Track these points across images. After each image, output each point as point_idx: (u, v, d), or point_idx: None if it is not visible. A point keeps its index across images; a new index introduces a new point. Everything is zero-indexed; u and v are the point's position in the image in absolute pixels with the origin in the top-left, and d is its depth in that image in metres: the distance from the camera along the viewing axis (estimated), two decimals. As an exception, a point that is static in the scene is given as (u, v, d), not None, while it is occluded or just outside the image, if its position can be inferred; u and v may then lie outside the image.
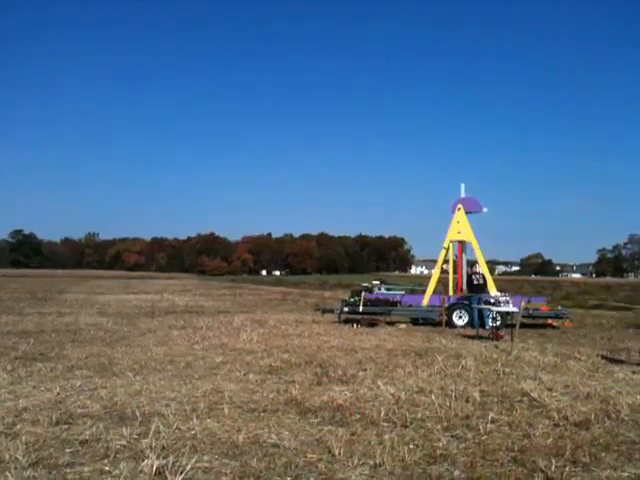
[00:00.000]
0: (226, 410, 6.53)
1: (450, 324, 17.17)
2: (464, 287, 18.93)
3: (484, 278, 18.12)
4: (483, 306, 16.18)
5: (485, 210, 19.76)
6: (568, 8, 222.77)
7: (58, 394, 7.21)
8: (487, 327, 15.66)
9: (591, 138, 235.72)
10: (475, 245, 19.25)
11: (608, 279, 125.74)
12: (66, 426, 5.89)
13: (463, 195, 19.75)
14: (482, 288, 17.84)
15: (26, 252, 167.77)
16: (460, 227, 19.34)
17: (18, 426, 5.83)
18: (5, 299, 27.04)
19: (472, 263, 19.28)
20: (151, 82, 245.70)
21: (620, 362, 10.74)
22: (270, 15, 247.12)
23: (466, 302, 17.58)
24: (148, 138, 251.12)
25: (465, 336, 14.74)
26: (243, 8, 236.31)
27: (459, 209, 19.36)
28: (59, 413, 6.26)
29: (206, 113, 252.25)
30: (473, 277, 18.10)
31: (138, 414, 6.28)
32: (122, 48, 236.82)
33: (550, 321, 18.20)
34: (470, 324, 16.94)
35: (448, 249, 19.63)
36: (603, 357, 11.30)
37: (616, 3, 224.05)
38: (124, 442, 5.37)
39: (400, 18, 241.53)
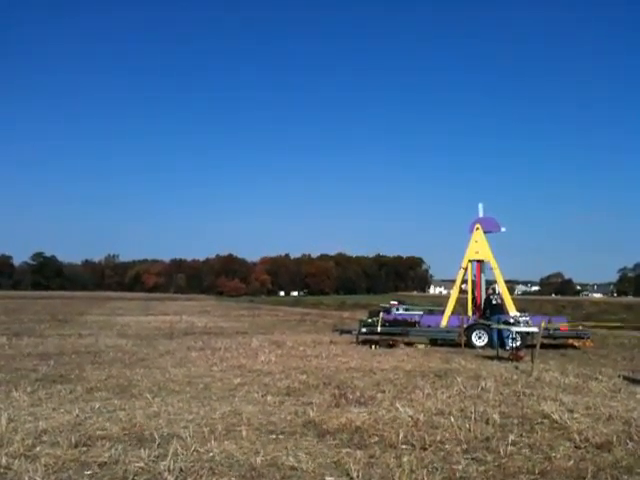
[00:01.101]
0: (244, 432, 6.53)
1: (469, 345, 17.03)
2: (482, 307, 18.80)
3: (502, 298, 17.99)
4: (502, 326, 16.03)
5: (503, 230, 19.68)
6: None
7: (77, 416, 7.25)
8: (507, 348, 15.51)
9: (612, 154, 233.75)
10: (494, 264, 19.14)
11: (630, 298, 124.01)
12: (85, 448, 5.91)
13: (481, 214, 19.68)
14: (500, 308, 17.70)
15: (47, 274, 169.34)
16: (478, 247, 19.25)
17: (38, 448, 5.87)
18: (26, 321, 27.30)
19: (490, 283, 19.17)
20: (168, 97, 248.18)
21: (643, 383, 10.58)
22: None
23: (485, 323, 17.44)
24: (166, 159, 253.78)
25: (485, 357, 14.61)
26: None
27: (477, 229, 19.29)
28: (78, 435, 6.29)
29: (223, 131, 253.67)
30: (492, 297, 17.98)
31: (156, 436, 6.29)
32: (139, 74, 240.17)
33: (571, 341, 18.00)
34: (490, 345, 16.77)
35: (466, 269, 19.54)
36: (625, 378, 11.13)
37: None
38: (142, 464, 5.38)
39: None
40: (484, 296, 18.79)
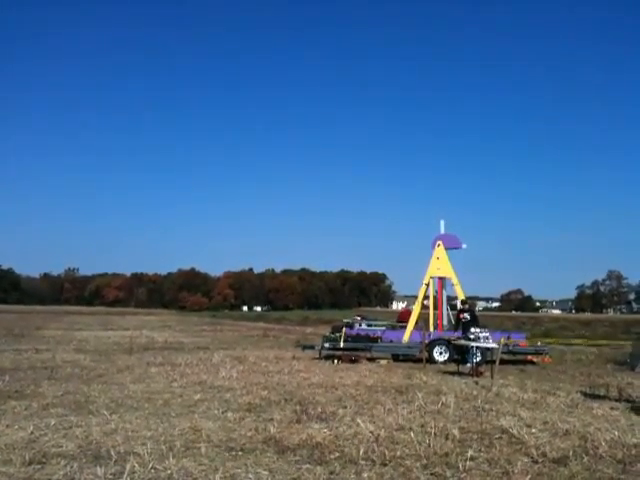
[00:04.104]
0: (203, 449, 6.45)
1: (431, 360, 17.15)
2: (447, 324, 18.96)
3: (472, 315, 17.94)
4: (462, 342, 16.14)
5: (464, 246, 19.97)
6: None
7: (32, 433, 7.08)
8: (467, 364, 15.66)
9: (572, 170, 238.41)
10: (455, 281, 19.38)
11: (587, 315, 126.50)
12: (39, 466, 5.77)
13: (443, 231, 19.95)
14: (469, 325, 17.78)
15: (4, 287, 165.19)
16: (440, 263, 19.48)
17: (-11, 466, 5.71)
18: (-20, 336, 26.56)
19: (451, 299, 19.38)
20: (131, 112, 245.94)
21: (599, 398, 10.79)
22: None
23: (447, 339, 17.55)
24: (128, 172, 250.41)
25: (445, 372, 14.73)
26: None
27: (439, 245, 19.53)
28: (32, 452, 6.14)
29: (188, 144, 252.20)
30: (461, 315, 17.91)
31: (113, 453, 6.17)
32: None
33: (530, 357, 18.27)
34: (463, 362, 16.54)
35: (428, 285, 19.73)
36: (582, 393, 11.34)
37: None
38: (98, 482, 5.27)
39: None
40: (453, 312, 18.80)
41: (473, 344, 14.93)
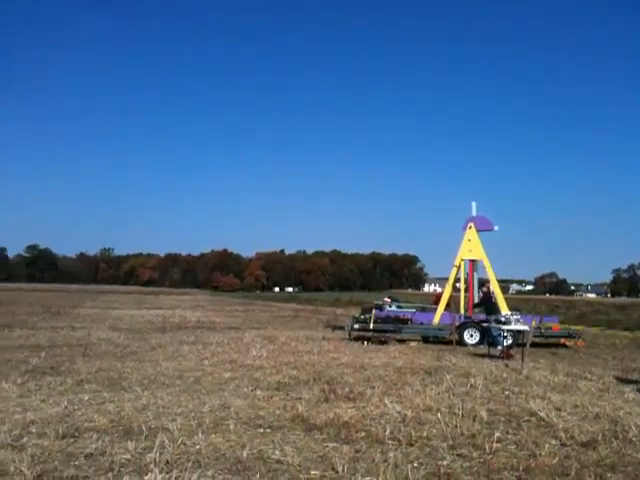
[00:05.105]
0: (232, 426, 6.54)
1: (461, 342, 17.08)
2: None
3: (484, 298, 17.77)
4: (493, 324, 16.01)
5: (496, 228, 19.75)
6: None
7: (66, 408, 7.26)
8: (498, 347, 15.54)
9: (607, 154, 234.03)
10: (486, 263, 19.20)
11: (623, 299, 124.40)
12: (72, 440, 5.92)
13: (474, 213, 19.75)
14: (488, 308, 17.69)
15: (42, 267, 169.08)
16: (471, 245, 19.31)
17: (25, 439, 5.87)
18: (19, 313, 27.26)
19: (482, 281, 19.19)
20: (163, 98, 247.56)
21: (631, 382, 10.63)
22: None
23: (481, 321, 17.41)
24: (162, 154, 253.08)
25: (475, 355, 14.66)
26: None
27: (470, 227, 19.35)
28: (66, 427, 6.30)
29: (221, 129, 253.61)
30: (492, 295, 17.76)
31: (144, 428, 6.30)
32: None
33: (563, 340, 18.07)
34: (489, 343, 16.48)
35: (459, 267, 19.59)
36: (614, 377, 11.19)
37: None
38: (129, 456, 5.39)
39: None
40: (480, 293, 18.68)
41: (503, 327, 14.81)
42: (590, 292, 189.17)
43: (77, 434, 6.12)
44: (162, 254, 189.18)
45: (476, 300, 18.88)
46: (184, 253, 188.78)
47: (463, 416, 7.23)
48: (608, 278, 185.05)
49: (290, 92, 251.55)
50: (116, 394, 8.27)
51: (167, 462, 5.24)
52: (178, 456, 5.44)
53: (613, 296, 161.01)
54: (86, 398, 7.88)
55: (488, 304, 17.59)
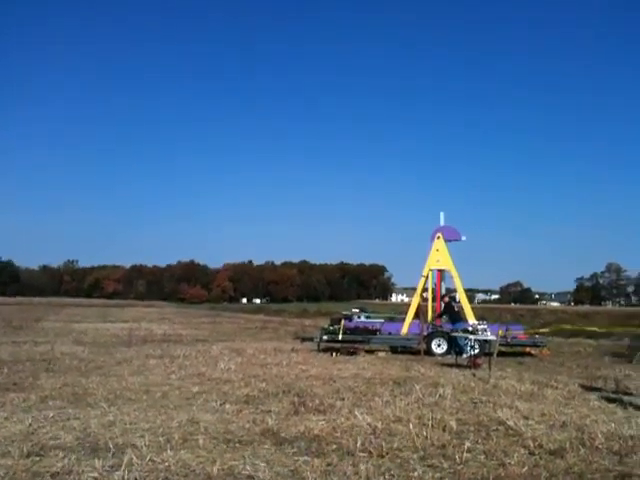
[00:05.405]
0: (201, 441, 6.47)
1: (429, 352, 17.18)
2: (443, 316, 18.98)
3: (446, 308, 18.15)
4: (460, 334, 16.17)
5: (464, 238, 19.96)
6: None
7: (30, 425, 7.10)
8: (465, 355, 15.68)
9: (571, 164, 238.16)
10: (454, 273, 19.38)
11: (586, 307, 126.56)
12: (37, 458, 5.79)
13: (442, 223, 19.94)
14: (460, 316, 17.94)
15: (3, 279, 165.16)
16: (439, 255, 19.47)
17: (-13, 458, 5.72)
18: (-21, 328, 26.58)
19: (449, 291, 19.40)
20: (131, 108, 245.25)
21: (596, 390, 10.81)
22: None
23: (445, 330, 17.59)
24: (126, 163, 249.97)
25: (443, 364, 14.76)
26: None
27: (438, 237, 19.53)
28: (31, 445, 6.16)
29: (189, 137, 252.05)
30: (454, 304, 18.13)
31: (111, 445, 6.19)
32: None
33: (528, 349, 18.30)
34: (455, 352, 16.67)
35: (427, 277, 19.74)
36: (580, 385, 11.37)
37: None
38: (96, 474, 5.29)
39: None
40: (442, 303, 18.93)
41: (470, 336, 14.96)
42: (554, 300, 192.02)
43: (42, 452, 5.98)
44: (127, 266, 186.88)
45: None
46: (150, 264, 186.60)
47: (433, 426, 7.27)
48: (572, 287, 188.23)
49: (257, 99, 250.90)
50: (82, 410, 8.11)
51: (135, 480, 5.16)
52: (147, 473, 5.35)
53: (576, 304, 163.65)
54: (51, 415, 7.71)
55: (451, 313, 17.89)
